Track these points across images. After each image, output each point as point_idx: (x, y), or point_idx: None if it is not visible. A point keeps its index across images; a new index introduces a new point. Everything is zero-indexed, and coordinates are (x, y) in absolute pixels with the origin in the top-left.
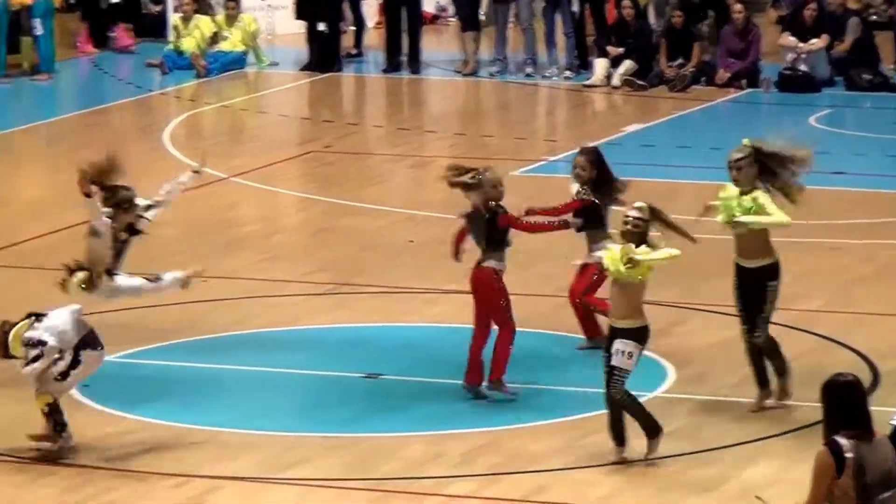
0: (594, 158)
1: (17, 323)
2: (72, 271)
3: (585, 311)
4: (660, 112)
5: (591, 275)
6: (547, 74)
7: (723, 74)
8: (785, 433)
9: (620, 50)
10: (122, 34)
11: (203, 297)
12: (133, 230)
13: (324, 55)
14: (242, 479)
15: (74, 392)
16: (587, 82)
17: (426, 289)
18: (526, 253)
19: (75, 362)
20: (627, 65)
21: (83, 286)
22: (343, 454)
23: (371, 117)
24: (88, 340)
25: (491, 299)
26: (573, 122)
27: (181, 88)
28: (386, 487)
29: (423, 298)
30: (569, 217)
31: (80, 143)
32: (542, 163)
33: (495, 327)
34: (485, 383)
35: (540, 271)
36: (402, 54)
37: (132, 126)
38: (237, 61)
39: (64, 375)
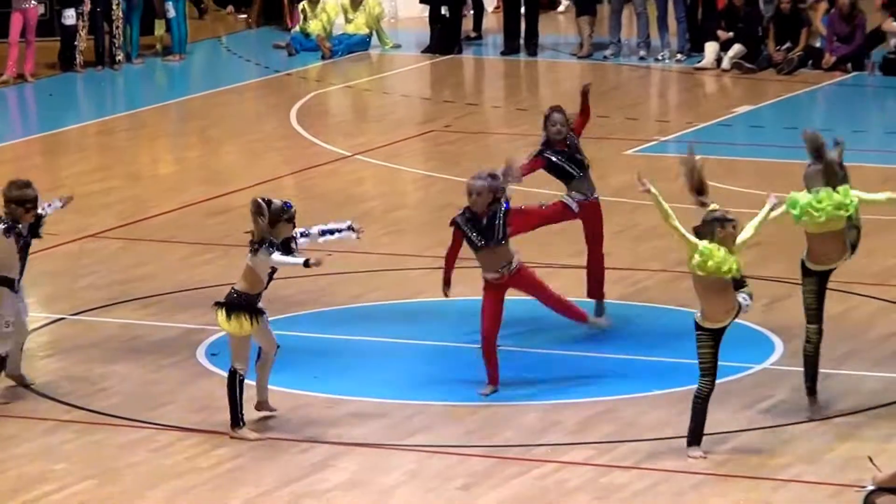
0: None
1: None
2: None
3: None
4: (768, 94)
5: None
6: (659, 57)
7: (829, 58)
8: (889, 404)
9: (730, 34)
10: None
11: (327, 270)
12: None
13: (445, 38)
14: (365, 445)
15: (203, 360)
16: (698, 65)
17: (545, 263)
18: (638, 227)
19: None
20: (737, 48)
21: None
22: (462, 422)
23: (490, 98)
24: None
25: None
26: (684, 104)
27: (307, 69)
28: (503, 454)
29: (542, 272)
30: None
31: (209, 122)
32: (654, 143)
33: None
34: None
35: (651, 246)
36: (520, 38)
37: (260, 105)
38: (361, 43)
39: None
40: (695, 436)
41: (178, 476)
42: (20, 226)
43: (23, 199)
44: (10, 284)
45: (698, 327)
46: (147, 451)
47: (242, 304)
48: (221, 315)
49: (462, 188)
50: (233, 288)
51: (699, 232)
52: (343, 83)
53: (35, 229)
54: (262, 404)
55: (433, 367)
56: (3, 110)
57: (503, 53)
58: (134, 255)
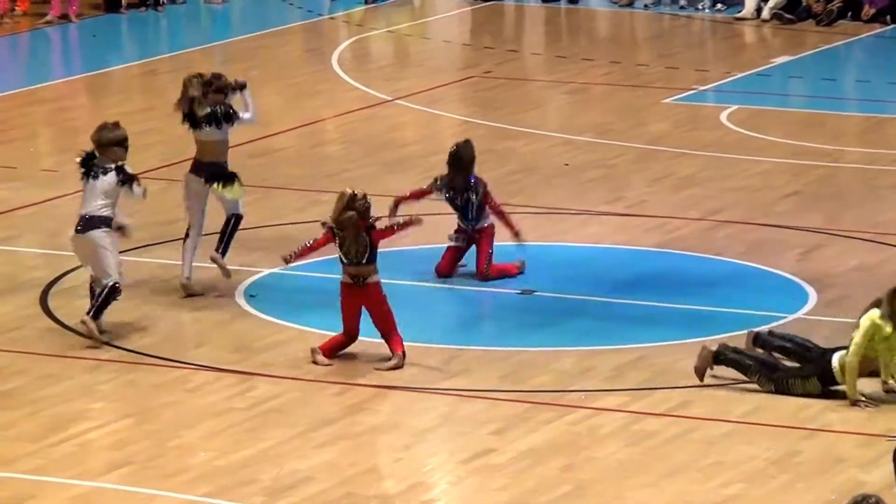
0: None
1: None
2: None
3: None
4: (807, 45)
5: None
6: (699, 7)
7: (868, 10)
8: None
9: None
10: None
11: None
12: None
13: None
14: (400, 388)
15: (241, 301)
16: (738, 15)
17: (580, 210)
18: (675, 176)
19: None
20: None
21: None
22: (496, 366)
23: (530, 45)
24: None
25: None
26: (724, 53)
27: (349, 14)
28: (536, 399)
29: (578, 219)
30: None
31: (251, 65)
32: (693, 91)
33: None
34: None
35: (688, 194)
36: None
37: (301, 49)
38: None
39: None
40: None
41: (214, 416)
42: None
43: (122, 139)
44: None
45: None
46: (183, 390)
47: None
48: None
49: (502, 134)
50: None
51: None
52: (384, 28)
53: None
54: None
55: (468, 312)
56: (47, 51)
57: (544, 0)
58: (175, 197)
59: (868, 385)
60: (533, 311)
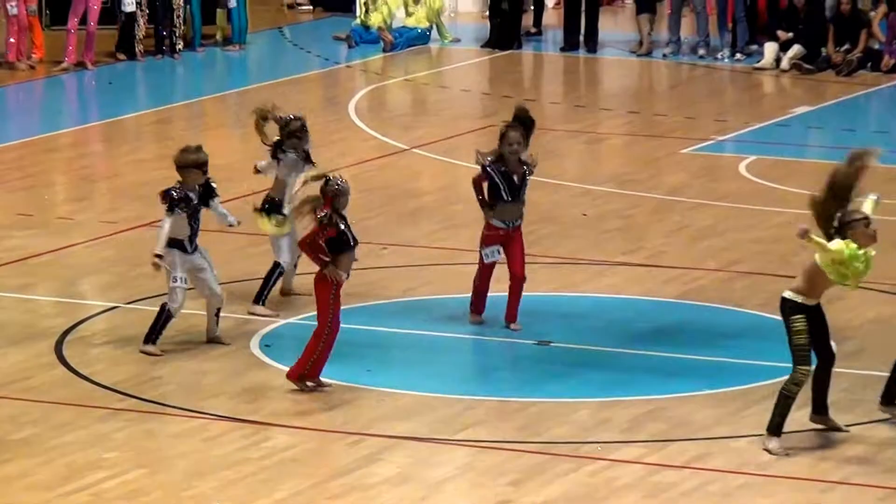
0: (526, 131)
1: None
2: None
3: None
4: (826, 95)
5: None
6: (718, 57)
7: (888, 61)
8: None
9: (790, 35)
10: None
11: (382, 263)
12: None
13: (504, 33)
14: (416, 439)
15: (257, 351)
16: (757, 65)
17: (598, 260)
18: (694, 227)
19: None
20: (796, 49)
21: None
22: (514, 418)
23: (548, 94)
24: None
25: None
26: (742, 103)
27: (367, 62)
28: (554, 451)
29: (595, 270)
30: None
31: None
32: (711, 142)
33: None
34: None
35: (707, 245)
36: (580, 34)
37: (319, 97)
38: (421, 37)
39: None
40: (778, 427)
41: (229, 466)
42: (191, 194)
43: (200, 162)
44: (181, 245)
45: (796, 309)
46: (198, 440)
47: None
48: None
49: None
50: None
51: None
52: (402, 76)
53: (208, 193)
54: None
55: (485, 362)
56: (62, 97)
57: (562, 49)
58: None
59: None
60: (549, 362)
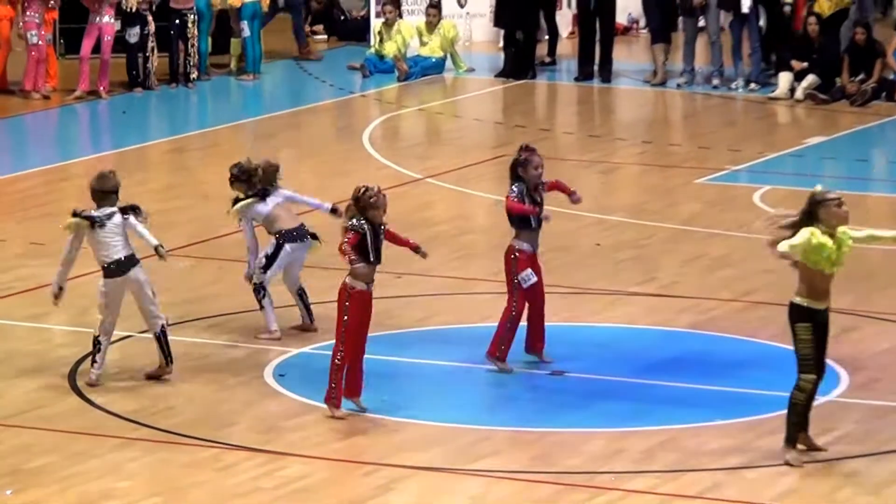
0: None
1: None
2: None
3: None
4: (841, 126)
5: None
6: (733, 87)
7: None
8: None
9: (804, 64)
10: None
11: (394, 293)
12: None
13: (519, 63)
14: (431, 469)
15: (271, 380)
16: (771, 95)
17: (612, 290)
18: (708, 257)
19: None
20: (811, 79)
21: None
22: (528, 448)
23: (562, 124)
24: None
25: None
26: (757, 133)
27: (381, 91)
28: (568, 481)
29: (609, 300)
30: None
31: (282, 142)
32: (725, 172)
33: None
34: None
35: (721, 275)
36: (594, 64)
37: (333, 127)
38: (435, 66)
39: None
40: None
41: (243, 496)
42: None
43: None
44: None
45: (803, 315)
46: (212, 470)
47: None
48: None
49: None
50: None
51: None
52: (416, 106)
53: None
54: None
55: (499, 392)
56: (75, 126)
57: (577, 79)
58: (203, 275)
59: None
60: (563, 392)
